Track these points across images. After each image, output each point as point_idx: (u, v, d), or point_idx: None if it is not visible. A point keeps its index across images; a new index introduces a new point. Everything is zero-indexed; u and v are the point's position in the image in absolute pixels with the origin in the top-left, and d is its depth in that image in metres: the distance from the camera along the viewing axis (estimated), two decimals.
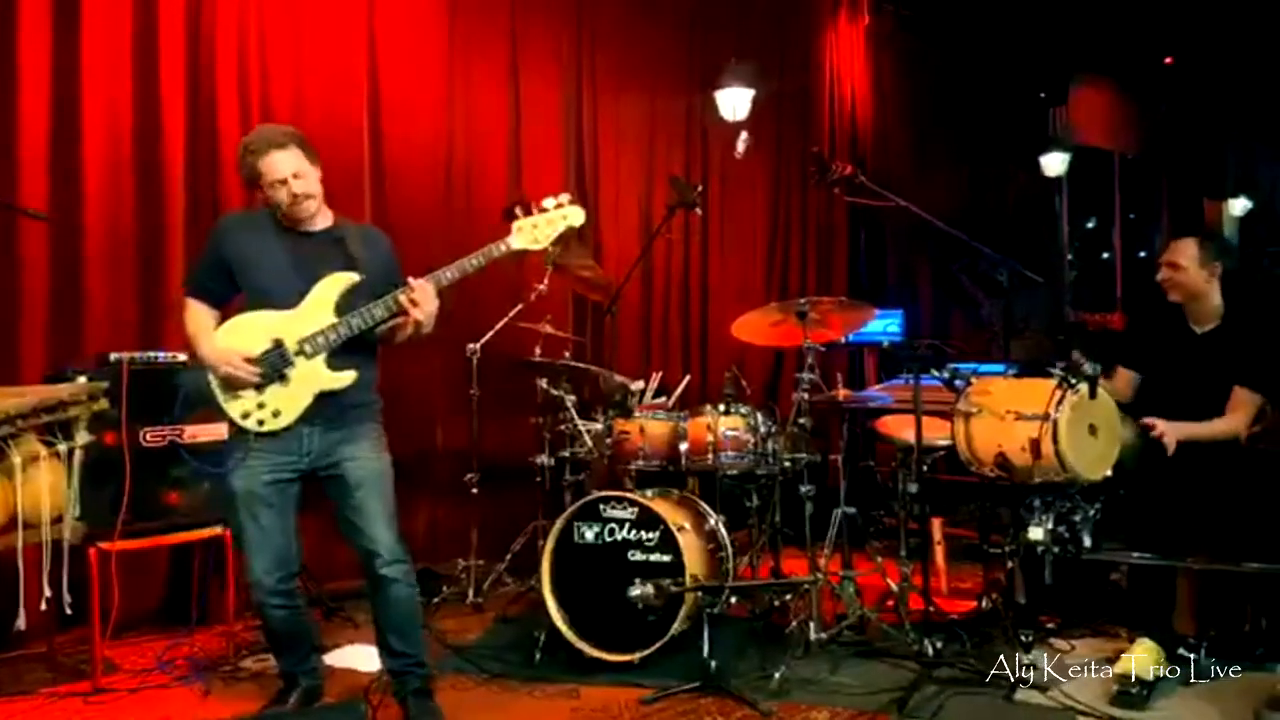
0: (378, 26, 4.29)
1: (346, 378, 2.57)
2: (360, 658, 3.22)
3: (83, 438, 2.42)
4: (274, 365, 2.54)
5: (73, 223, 3.51)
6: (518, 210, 2.61)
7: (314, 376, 2.56)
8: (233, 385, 2.54)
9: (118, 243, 3.61)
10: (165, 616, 3.54)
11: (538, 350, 3.97)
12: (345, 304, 2.57)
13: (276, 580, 2.62)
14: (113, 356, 3.18)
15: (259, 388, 2.54)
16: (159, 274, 3.69)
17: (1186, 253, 3.21)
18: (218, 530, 3.25)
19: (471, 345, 3.96)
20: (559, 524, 3.30)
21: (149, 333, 3.63)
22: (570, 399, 3.86)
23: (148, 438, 3.18)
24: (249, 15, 3.90)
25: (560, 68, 4.94)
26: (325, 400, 2.57)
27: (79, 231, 3.52)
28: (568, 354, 4.07)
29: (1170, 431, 3.06)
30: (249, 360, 2.52)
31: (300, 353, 2.54)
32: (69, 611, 2.76)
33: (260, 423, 2.56)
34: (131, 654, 3.26)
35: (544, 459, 4.01)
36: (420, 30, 4.43)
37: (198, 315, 2.68)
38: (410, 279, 2.54)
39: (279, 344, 2.54)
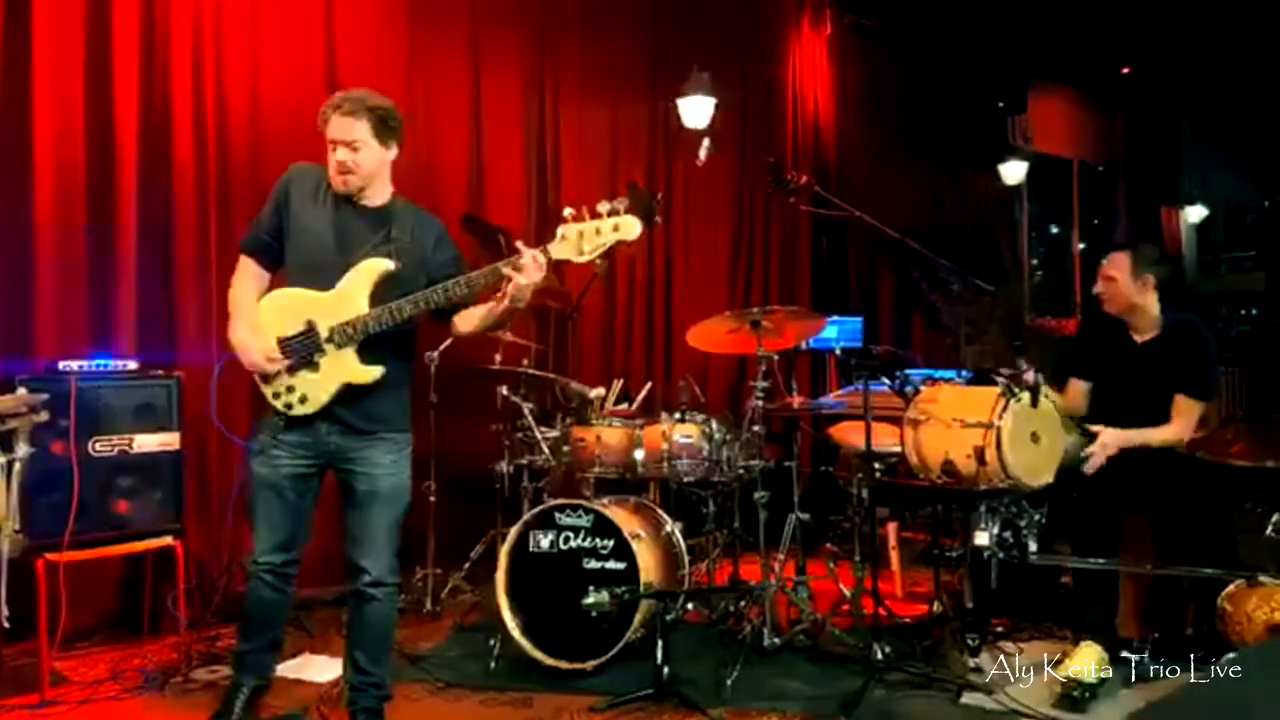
0: (336, 33, 4.27)
1: (374, 372, 2.49)
2: (312, 668, 3.21)
3: (23, 450, 2.39)
4: (305, 350, 2.49)
5: (23, 225, 3.47)
6: (567, 214, 2.38)
7: (343, 367, 2.49)
8: None
9: (69, 245, 3.56)
10: (116, 627, 3.50)
11: (498, 357, 3.97)
12: (380, 293, 2.49)
13: (277, 562, 2.61)
14: (61, 365, 3.16)
15: (291, 370, 2.50)
16: (111, 276, 3.65)
17: (1119, 265, 3.30)
18: (169, 540, 3.23)
19: (430, 353, 3.95)
20: (514, 532, 3.31)
21: (101, 336, 3.59)
22: (528, 406, 3.87)
23: (96, 447, 3.16)
24: (205, 14, 3.87)
25: (522, 75, 4.94)
26: (350, 395, 2.51)
27: (29, 234, 3.48)
28: (527, 361, 4.07)
29: (1111, 439, 3.13)
30: (282, 340, 2.50)
31: (330, 340, 2.48)
32: (6, 625, 2.73)
33: (288, 406, 2.52)
34: (81, 666, 3.22)
35: (503, 466, 4.02)
36: (380, 36, 4.41)
37: (243, 283, 2.62)
38: (521, 246, 2.39)
39: (311, 327, 2.49)
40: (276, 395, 2.54)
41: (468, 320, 2.58)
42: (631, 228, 2.34)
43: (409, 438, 2.67)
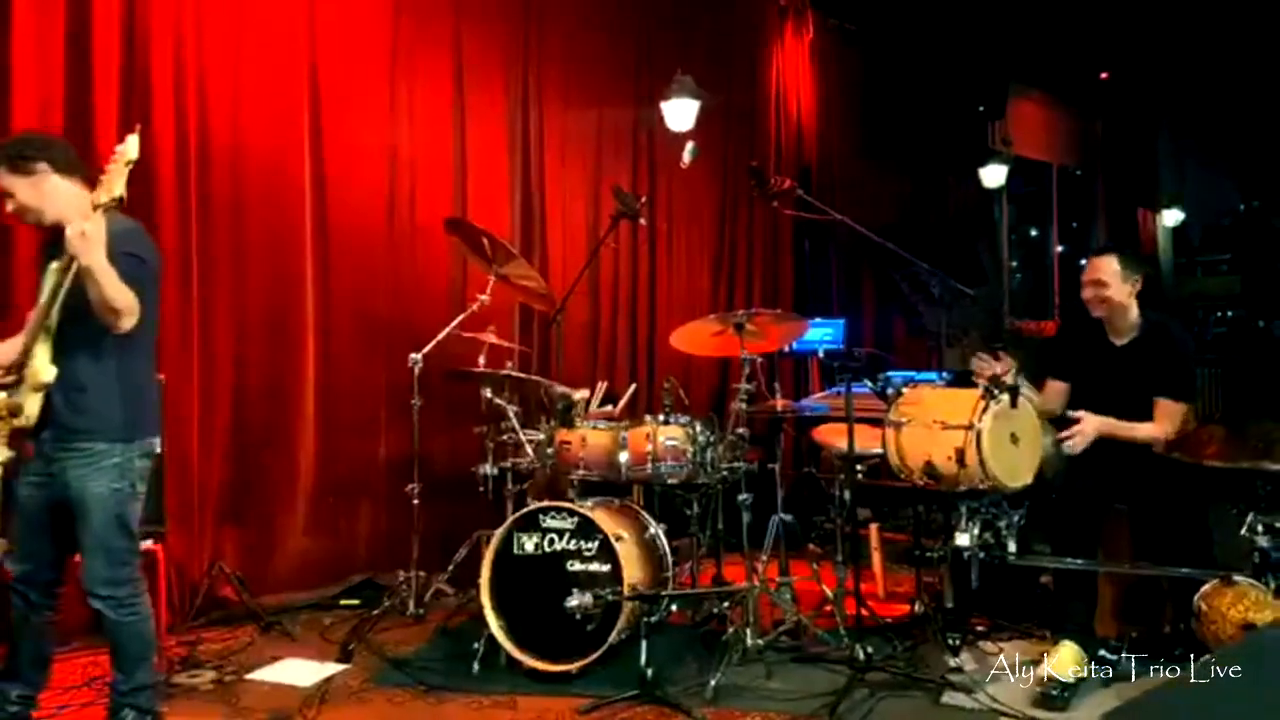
0: (319, 36, 4.25)
1: (52, 371, 2.45)
2: (294, 673, 3.20)
3: (2, 454, 2.38)
4: (19, 364, 2.48)
5: (2, 228, 3.43)
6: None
7: (34, 370, 2.46)
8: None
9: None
10: (94, 632, 3.43)
11: (482, 360, 3.97)
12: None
13: (17, 574, 2.58)
14: None
15: (17, 385, 2.49)
16: None
17: (1109, 269, 3.31)
18: (149, 544, 3.20)
19: (414, 355, 3.94)
20: (498, 535, 3.31)
21: None
22: (513, 409, 3.87)
23: None
24: (186, 17, 3.84)
25: (505, 79, 4.94)
26: (50, 401, 2.47)
27: (7, 234, 3.44)
28: (510, 363, 4.08)
29: (1091, 425, 3.15)
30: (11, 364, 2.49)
31: (28, 350, 2.47)
32: None
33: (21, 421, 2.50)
34: (58, 671, 3.15)
35: (487, 468, 4.01)
36: (363, 39, 4.40)
37: None
38: None
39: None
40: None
41: None
42: (131, 147, 2.47)
43: (112, 448, 2.53)
